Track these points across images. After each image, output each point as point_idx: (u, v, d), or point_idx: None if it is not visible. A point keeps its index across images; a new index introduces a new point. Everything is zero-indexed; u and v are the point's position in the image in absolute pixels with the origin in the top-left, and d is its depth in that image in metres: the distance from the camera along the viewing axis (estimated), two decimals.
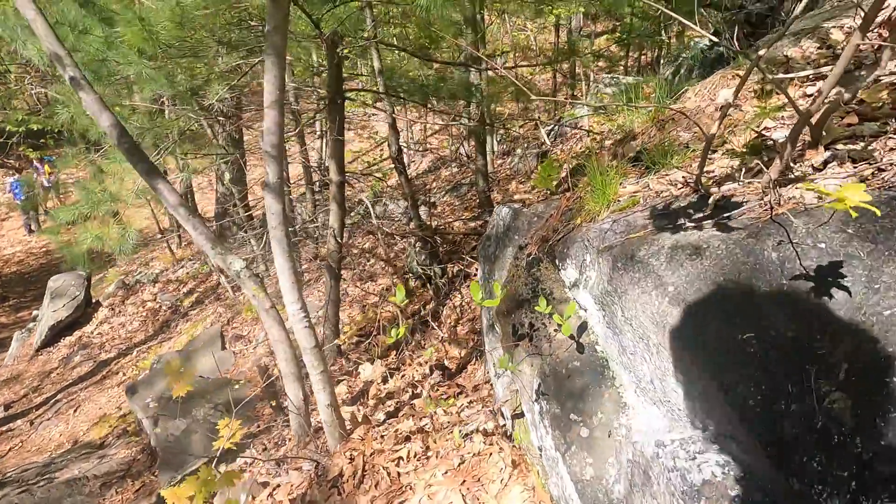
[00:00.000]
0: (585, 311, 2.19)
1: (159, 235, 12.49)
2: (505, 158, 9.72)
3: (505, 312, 2.68)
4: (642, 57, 14.11)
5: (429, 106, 4.35)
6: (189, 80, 5.06)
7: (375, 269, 6.76)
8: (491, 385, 3.60)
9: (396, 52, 4.68)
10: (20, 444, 6.36)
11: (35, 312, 10.30)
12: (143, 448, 5.08)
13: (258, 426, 4.17)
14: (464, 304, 4.91)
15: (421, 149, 13.02)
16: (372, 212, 4.40)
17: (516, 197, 7.23)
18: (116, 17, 3.72)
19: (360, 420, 3.19)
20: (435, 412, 3.14)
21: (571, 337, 2.14)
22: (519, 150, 9.32)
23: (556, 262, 2.35)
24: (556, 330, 2.34)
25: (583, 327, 2.24)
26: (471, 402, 3.35)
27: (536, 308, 2.21)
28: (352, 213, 8.99)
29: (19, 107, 10.83)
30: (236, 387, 4.66)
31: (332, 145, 3.90)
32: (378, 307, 5.58)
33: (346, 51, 3.61)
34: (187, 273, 9.61)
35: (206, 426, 4.30)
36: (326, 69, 3.66)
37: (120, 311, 8.88)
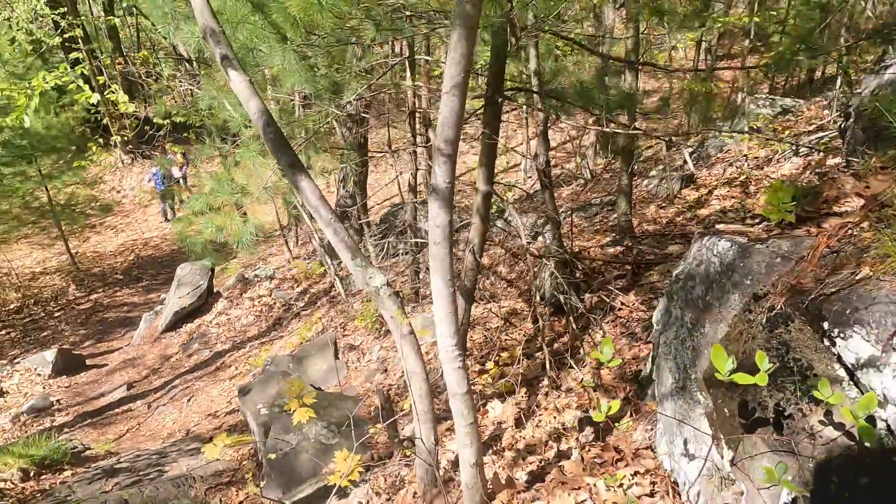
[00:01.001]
0: (889, 404, 1.48)
1: (279, 232, 12.76)
2: (637, 179, 8.86)
3: (725, 382, 2.00)
4: (790, 78, 12.67)
5: (594, 113, 3.73)
6: (329, 76, 4.78)
7: (495, 287, 6.21)
8: (654, 452, 2.90)
9: (552, 50, 4.11)
10: (137, 427, 6.42)
11: (163, 296, 10.76)
12: (250, 453, 4.83)
13: (372, 455, 3.71)
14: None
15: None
16: (521, 230, 3.83)
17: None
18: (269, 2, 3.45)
19: (503, 482, 2.62)
20: (595, 484, 2.50)
21: (870, 446, 1.43)
22: (654, 172, 8.44)
23: (826, 325, 1.65)
24: (822, 422, 1.64)
25: (869, 422, 1.53)
26: (636, 474, 2.67)
27: (815, 394, 1.52)
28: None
29: (168, 103, 11.48)
30: (348, 406, 4.27)
31: (483, 150, 3.39)
32: (503, 332, 5.01)
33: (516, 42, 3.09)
34: (301, 271, 9.58)
35: (317, 446, 3.91)
36: (488, 63, 3.16)
37: (237, 304, 8.97)
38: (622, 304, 4.59)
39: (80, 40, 12.97)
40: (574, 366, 4.00)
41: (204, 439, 5.69)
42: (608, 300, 4.46)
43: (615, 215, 7.68)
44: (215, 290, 9.44)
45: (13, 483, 4.58)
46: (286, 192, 6.41)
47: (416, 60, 5.67)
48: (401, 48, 5.41)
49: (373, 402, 4.40)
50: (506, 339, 4.87)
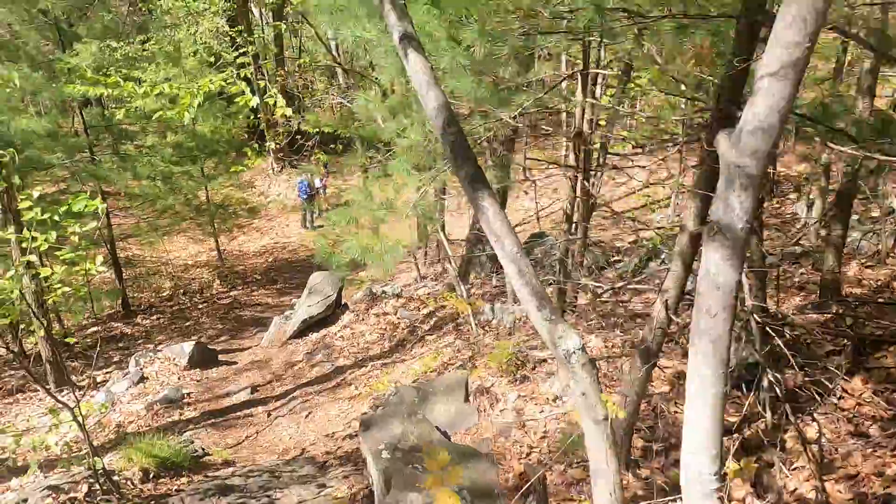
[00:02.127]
0: None
1: (407, 248, 12.56)
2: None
3: None
4: None
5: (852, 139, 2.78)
6: (494, 84, 4.20)
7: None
8: None
9: None
10: (255, 436, 6.21)
11: (294, 300, 10.87)
12: (364, 493, 4.29)
13: None
14: (827, 443, 3.15)
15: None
16: (746, 287, 2.95)
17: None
18: None
19: None
20: None
21: None
22: (854, 222, 6.96)
23: None
24: None
25: None
26: None
27: None
28: (618, 265, 7.58)
29: (320, 114, 11.77)
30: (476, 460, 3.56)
31: (700, 179, 2.59)
32: (671, 402, 4.07)
33: None
34: (427, 294, 9.15)
35: None
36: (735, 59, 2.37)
37: (363, 319, 8.70)
38: (844, 390, 3.48)
39: (248, 55, 13.84)
40: (784, 469, 3.00)
41: (317, 463, 5.29)
42: (830, 384, 3.39)
43: (801, 270, 6.39)
44: (343, 301, 9.28)
45: (133, 483, 4.41)
46: (428, 210, 5.96)
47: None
48: (583, 61, 4.73)
49: (511, 467, 3.68)
50: (676, 412, 3.93)
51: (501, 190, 7.48)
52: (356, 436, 5.78)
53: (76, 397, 3.80)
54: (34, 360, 8.92)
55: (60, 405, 3.77)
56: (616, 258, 7.60)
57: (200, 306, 11.78)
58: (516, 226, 9.60)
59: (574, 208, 5.00)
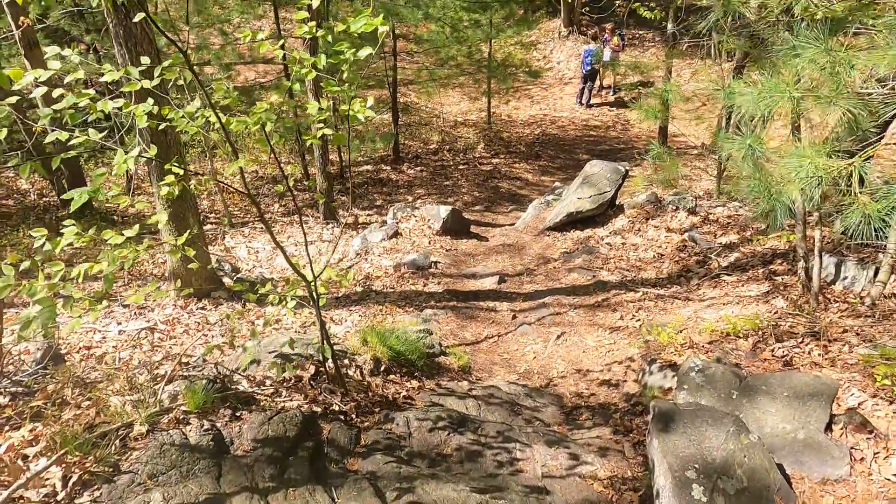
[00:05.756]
0: None
1: (697, 150, 9.89)
2: None
3: None
4: None
5: None
6: None
7: None
8: None
9: None
10: (496, 339, 5.23)
11: (557, 183, 9.41)
12: (631, 486, 2.91)
13: None
14: None
15: None
16: None
17: None
18: None
19: None
20: None
21: None
22: None
23: None
24: None
25: None
26: None
27: None
28: None
29: None
30: None
31: None
32: None
33: None
34: (729, 217, 6.83)
35: None
36: None
37: (638, 230, 6.89)
38: None
39: None
40: None
41: (565, 408, 4.06)
42: None
43: None
44: (618, 202, 7.50)
45: (362, 373, 3.69)
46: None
47: None
48: None
49: None
50: None
51: None
52: (617, 385, 4.38)
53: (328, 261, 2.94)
54: (309, 190, 9.20)
55: (300, 277, 2.97)
56: None
57: (461, 167, 11.11)
58: None
59: None
